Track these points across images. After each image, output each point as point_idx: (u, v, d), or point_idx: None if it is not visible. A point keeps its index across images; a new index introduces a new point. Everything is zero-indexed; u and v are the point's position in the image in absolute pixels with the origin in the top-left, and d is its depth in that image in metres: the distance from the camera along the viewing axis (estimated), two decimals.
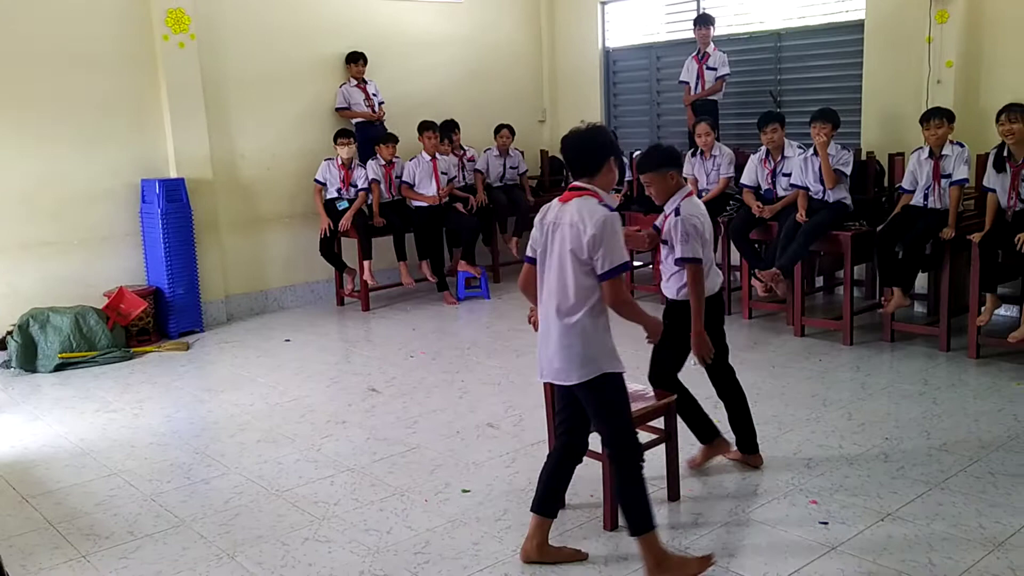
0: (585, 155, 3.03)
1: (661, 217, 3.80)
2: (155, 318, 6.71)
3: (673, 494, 3.67)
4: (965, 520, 3.40)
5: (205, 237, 7.01)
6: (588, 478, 3.80)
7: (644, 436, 3.68)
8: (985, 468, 3.86)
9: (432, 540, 3.44)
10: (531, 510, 3.24)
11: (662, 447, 3.66)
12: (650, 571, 3.03)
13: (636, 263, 7.61)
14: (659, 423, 3.66)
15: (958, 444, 4.14)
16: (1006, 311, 6.06)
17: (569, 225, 2.96)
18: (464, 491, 3.85)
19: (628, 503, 3.06)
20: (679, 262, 3.64)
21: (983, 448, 4.08)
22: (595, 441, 3.57)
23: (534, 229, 3.13)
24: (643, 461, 3.09)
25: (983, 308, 5.35)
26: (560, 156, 9.10)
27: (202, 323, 6.97)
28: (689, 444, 3.96)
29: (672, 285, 3.77)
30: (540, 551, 3.20)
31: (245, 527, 3.62)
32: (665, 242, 3.76)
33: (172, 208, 6.66)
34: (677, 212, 3.63)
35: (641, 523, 3.02)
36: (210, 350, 6.48)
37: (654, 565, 3.02)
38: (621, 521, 3.45)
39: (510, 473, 4.04)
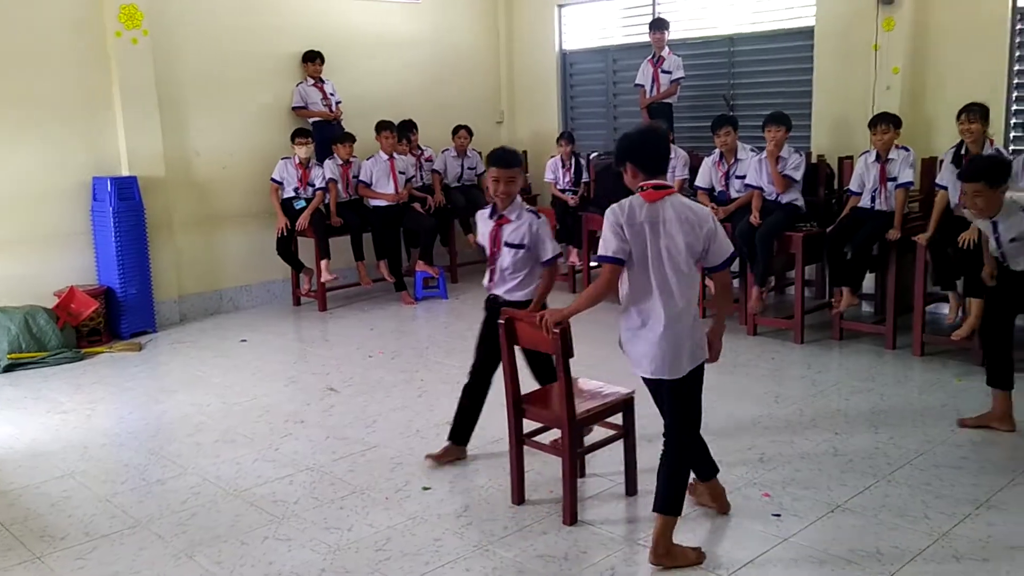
0: (663, 155, 3.15)
1: (493, 225, 3.93)
2: (106, 318, 6.60)
3: (631, 489, 3.73)
4: (911, 510, 3.52)
5: (158, 236, 6.92)
6: (547, 474, 3.86)
7: (601, 432, 3.76)
8: (929, 461, 4.00)
9: (393, 537, 3.46)
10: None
11: (621, 443, 3.72)
12: (658, 556, 3.15)
13: None
14: (617, 419, 3.72)
15: (904, 438, 4.27)
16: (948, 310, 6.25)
17: (679, 221, 3.03)
18: (424, 488, 3.87)
19: (675, 485, 3.15)
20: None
21: (928, 442, 4.21)
22: (554, 435, 3.63)
23: (619, 230, 3.06)
24: None
25: (949, 306, 5.71)
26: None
27: (155, 323, 6.87)
28: (645, 440, 4.02)
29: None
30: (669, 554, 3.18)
31: (203, 527, 3.59)
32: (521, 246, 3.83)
33: (124, 206, 6.56)
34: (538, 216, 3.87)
35: (676, 506, 3.15)
36: (163, 351, 6.40)
37: (664, 551, 3.15)
38: (582, 516, 3.52)
39: (470, 470, 4.07)
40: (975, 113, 5.22)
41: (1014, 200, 4.22)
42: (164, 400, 5.26)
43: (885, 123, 5.71)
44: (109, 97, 6.68)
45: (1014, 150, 5.98)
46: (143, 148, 6.79)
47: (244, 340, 6.57)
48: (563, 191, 7.80)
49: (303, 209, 7.26)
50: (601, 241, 3.15)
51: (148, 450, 4.47)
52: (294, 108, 7.74)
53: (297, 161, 7.34)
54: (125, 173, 6.73)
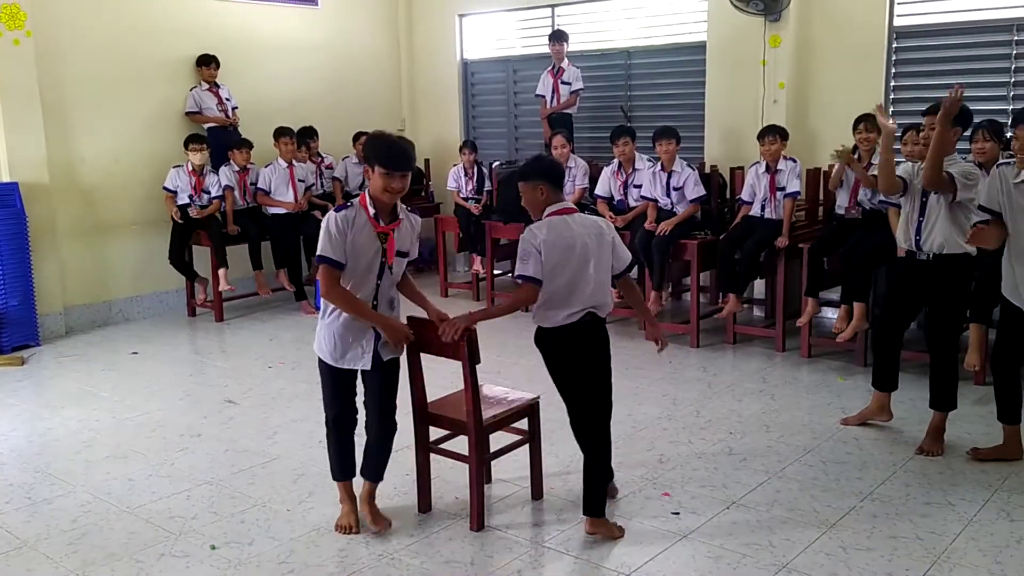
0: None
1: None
2: None
3: (536, 493, 3.78)
4: (800, 504, 3.69)
5: (42, 245, 6.60)
6: (453, 480, 3.87)
7: (509, 437, 3.79)
8: (817, 457, 4.19)
9: (296, 549, 3.40)
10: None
11: (526, 447, 3.76)
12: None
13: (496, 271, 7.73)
14: (523, 424, 3.76)
15: (793, 436, 4.47)
16: (832, 314, 6.56)
17: (589, 236, 3.37)
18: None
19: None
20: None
21: (815, 439, 4.42)
22: (460, 444, 3.64)
23: (538, 252, 3.28)
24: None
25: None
26: (420, 166, 9.15)
27: (38, 336, 6.55)
28: (549, 444, 4.08)
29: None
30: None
31: (95, 546, 3.45)
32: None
33: (4, 214, 6.24)
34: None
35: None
36: (48, 365, 6.10)
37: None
38: (488, 521, 3.55)
39: None
40: (872, 123, 5.51)
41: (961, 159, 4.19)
42: (50, 416, 5.02)
43: (773, 135, 5.97)
44: None
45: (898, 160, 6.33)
46: (25, 153, 6.48)
47: (135, 352, 6.33)
48: (466, 199, 7.83)
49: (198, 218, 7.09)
50: (520, 261, 3.31)
51: (34, 468, 4.25)
52: (188, 113, 7.52)
53: (191, 168, 7.13)
54: (5, 179, 6.41)
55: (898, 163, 4.43)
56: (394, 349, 3.44)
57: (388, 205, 3.32)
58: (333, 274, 3.27)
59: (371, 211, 3.30)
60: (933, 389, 4.29)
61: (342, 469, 3.58)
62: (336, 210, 3.30)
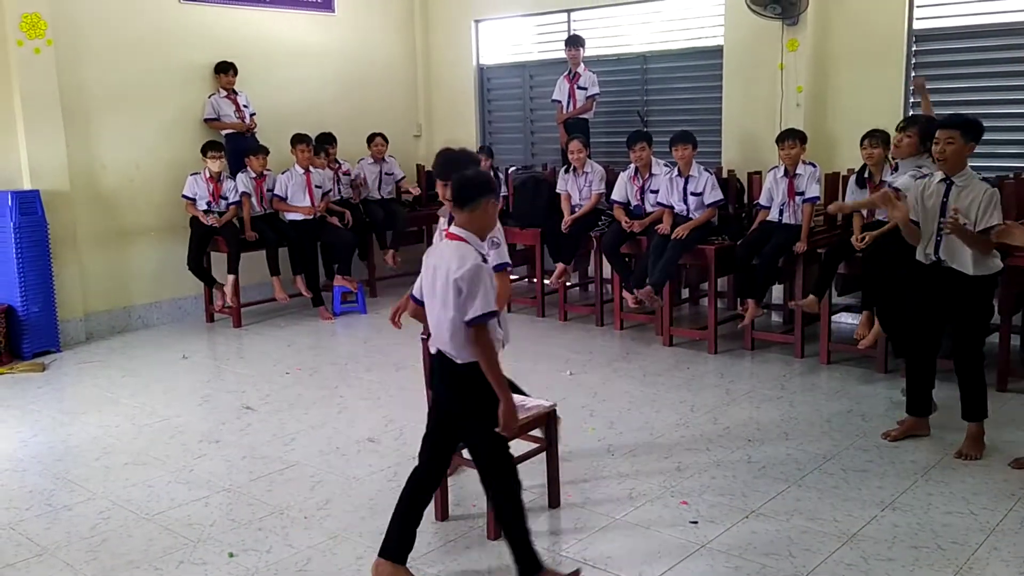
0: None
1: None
2: (7, 338, 6.31)
3: (554, 501, 3.76)
4: (821, 514, 3.65)
5: (62, 252, 6.66)
6: (470, 489, 3.86)
7: (526, 445, 3.78)
8: (837, 465, 4.16)
9: (314, 557, 3.41)
10: None
11: (543, 456, 3.75)
12: None
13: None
14: (540, 432, 3.75)
15: (813, 443, 4.43)
16: (853, 319, 6.52)
17: None
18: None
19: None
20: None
21: (835, 446, 4.38)
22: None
23: None
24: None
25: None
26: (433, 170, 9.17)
27: (59, 343, 6.61)
28: (567, 452, 4.07)
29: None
30: None
31: (115, 553, 3.47)
32: None
33: (26, 221, 6.30)
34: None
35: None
36: (69, 371, 6.15)
37: None
38: None
39: (393, 487, 4.01)
40: (876, 139, 5.47)
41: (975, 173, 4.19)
42: (70, 422, 5.06)
43: (792, 139, 5.92)
44: (10, 108, 6.42)
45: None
46: (46, 161, 6.54)
47: (185, 356, 6.41)
48: None
49: (213, 227, 7.13)
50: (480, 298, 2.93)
51: (54, 474, 4.29)
52: (206, 120, 7.57)
53: (208, 175, 7.18)
54: (27, 187, 6.47)
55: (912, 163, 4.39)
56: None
57: None
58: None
59: None
60: (964, 400, 4.24)
61: None
62: None
